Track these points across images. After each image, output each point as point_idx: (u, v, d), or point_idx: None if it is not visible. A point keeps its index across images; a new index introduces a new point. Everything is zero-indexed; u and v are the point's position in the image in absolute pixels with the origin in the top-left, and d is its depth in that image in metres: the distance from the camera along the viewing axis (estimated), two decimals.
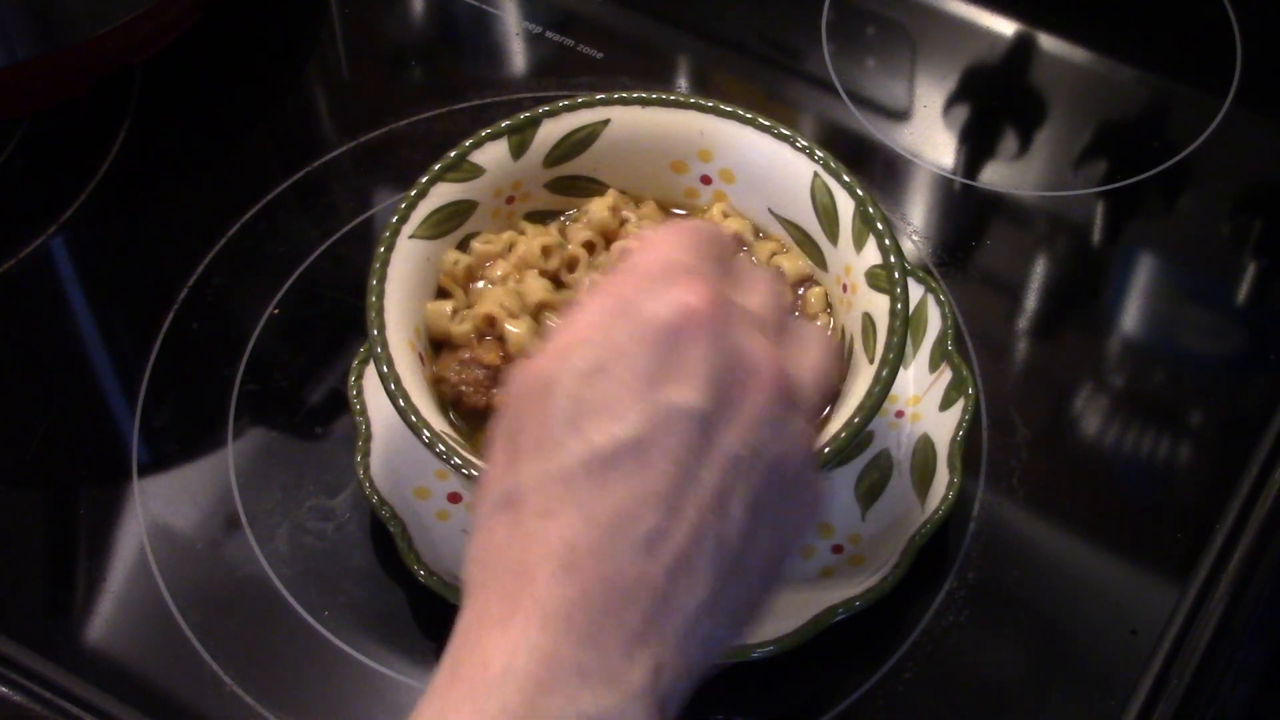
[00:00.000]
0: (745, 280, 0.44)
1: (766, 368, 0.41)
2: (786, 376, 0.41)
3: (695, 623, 0.39)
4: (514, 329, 0.56)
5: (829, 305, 0.59)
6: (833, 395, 0.56)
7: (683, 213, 0.62)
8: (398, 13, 0.83)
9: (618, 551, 0.38)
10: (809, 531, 0.42)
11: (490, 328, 0.57)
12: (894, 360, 0.52)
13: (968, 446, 0.59)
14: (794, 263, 0.59)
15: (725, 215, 0.61)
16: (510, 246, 0.60)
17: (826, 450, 0.51)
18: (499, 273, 0.59)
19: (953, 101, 0.77)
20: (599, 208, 0.60)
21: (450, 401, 0.56)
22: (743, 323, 0.41)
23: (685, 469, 0.39)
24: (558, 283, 0.59)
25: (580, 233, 0.60)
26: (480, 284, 0.59)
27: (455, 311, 0.58)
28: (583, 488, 0.38)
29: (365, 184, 0.74)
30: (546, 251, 0.59)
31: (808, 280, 0.60)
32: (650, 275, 0.41)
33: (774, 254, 0.60)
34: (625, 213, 0.61)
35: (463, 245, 0.59)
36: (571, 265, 0.59)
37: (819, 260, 0.59)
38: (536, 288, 0.58)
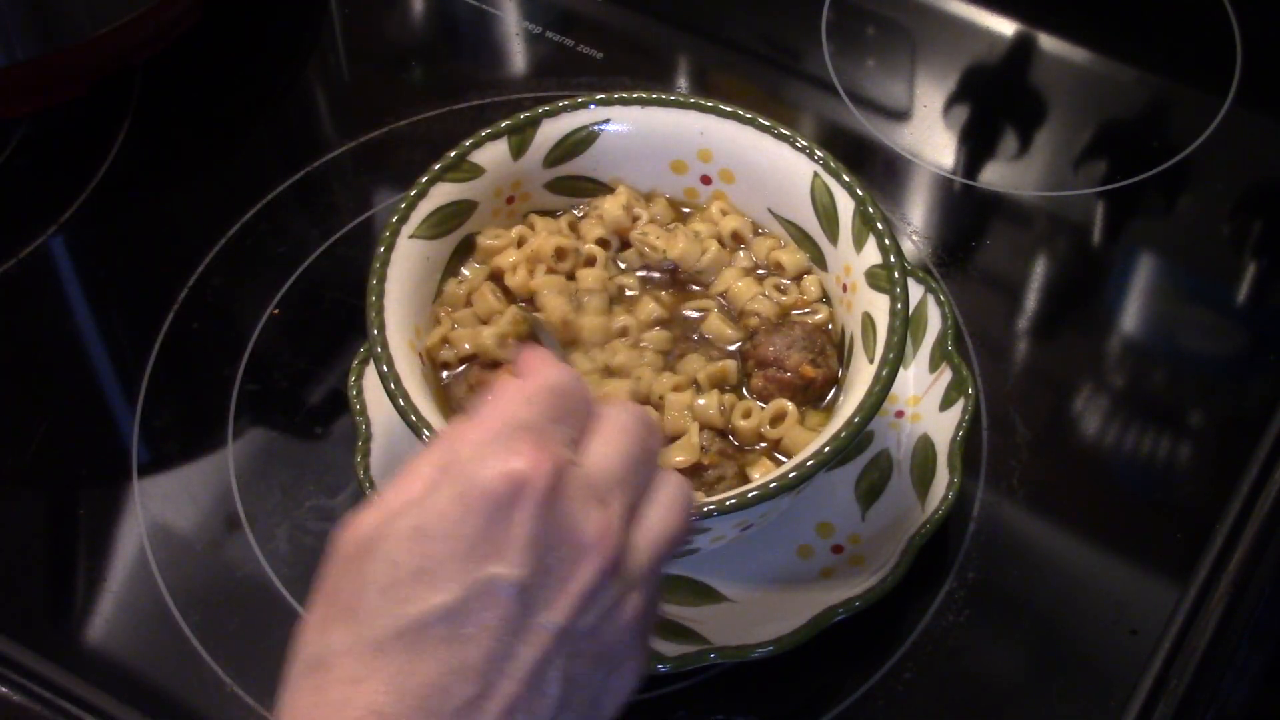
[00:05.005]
0: (604, 431, 0.42)
1: (598, 544, 0.40)
2: (619, 552, 0.40)
3: None
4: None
5: (825, 294, 0.59)
6: (831, 381, 0.56)
7: (692, 210, 0.62)
8: (398, 13, 0.83)
9: None
10: (627, 696, 0.42)
11: None
12: (894, 360, 0.52)
13: (968, 446, 0.59)
14: (792, 257, 0.59)
15: (724, 213, 0.61)
16: (519, 242, 0.60)
17: (826, 450, 0.51)
18: (510, 259, 0.59)
19: (953, 101, 0.77)
20: (612, 205, 0.60)
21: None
22: (579, 494, 0.40)
23: (501, 642, 0.38)
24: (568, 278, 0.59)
25: (593, 230, 0.60)
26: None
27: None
28: (395, 657, 0.38)
29: (365, 184, 0.74)
30: (560, 254, 0.59)
31: (805, 273, 0.60)
32: (488, 434, 0.40)
33: (772, 250, 0.60)
34: (637, 209, 0.61)
35: (464, 245, 0.60)
36: (590, 262, 0.59)
37: (819, 260, 0.59)
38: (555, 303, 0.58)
